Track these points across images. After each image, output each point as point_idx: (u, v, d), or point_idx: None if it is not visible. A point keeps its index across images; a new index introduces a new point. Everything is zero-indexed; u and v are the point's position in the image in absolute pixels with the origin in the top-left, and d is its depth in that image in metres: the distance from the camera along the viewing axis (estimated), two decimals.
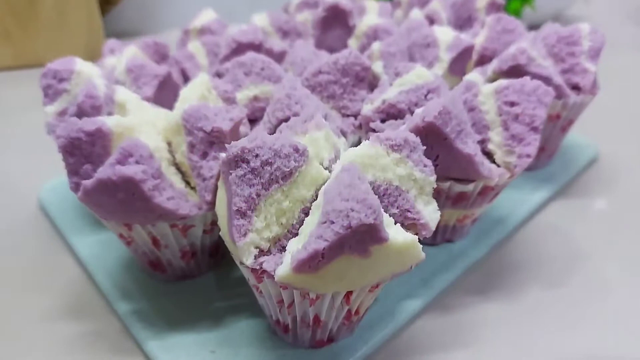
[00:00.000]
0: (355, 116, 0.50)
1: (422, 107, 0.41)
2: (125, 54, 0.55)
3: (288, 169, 0.33)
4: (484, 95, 0.44)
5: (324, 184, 0.35)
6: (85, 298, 0.48)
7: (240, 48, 0.56)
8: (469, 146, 0.40)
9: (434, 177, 0.37)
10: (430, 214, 0.36)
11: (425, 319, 0.45)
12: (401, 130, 0.38)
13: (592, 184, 0.62)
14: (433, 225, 0.36)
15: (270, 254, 0.33)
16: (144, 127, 0.42)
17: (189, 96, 0.44)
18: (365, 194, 0.30)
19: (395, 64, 0.55)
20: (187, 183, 0.41)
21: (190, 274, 0.47)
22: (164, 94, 0.52)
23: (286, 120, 0.44)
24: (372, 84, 0.55)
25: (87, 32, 1.02)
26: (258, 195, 0.33)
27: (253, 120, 0.51)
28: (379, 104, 0.47)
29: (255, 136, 0.34)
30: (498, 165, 0.43)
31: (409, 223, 0.36)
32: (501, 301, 0.47)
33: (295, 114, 0.44)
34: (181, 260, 0.45)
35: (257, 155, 0.33)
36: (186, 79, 0.60)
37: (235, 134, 0.40)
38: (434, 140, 0.40)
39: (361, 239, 0.30)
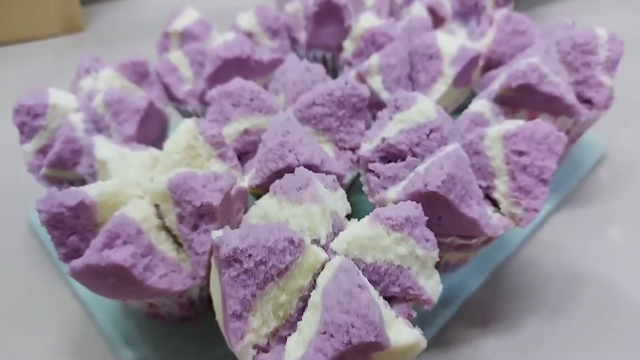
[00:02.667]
0: (353, 149, 0.47)
1: (425, 167, 0.38)
2: (102, 79, 0.51)
3: (284, 265, 0.32)
4: (491, 139, 0.41)
5: (322, 267, 0.34)
6: (86, 339, 0.48)
7: (226, 64, 0.52)
8: (474, 209, 0.38)
9: (436, 252, 0.36)
10: (432, 287, 0.36)
11: (424, 356, 0.46)
12: (402, 203, 0.36)
13: (598, 189, 0.61)
14: (436, 298, 0.36)
15: (270, 347, 0.33)
16: (129, 189, 0.40)
17: (174, 148, 0.42)
18: (365, 308, 0.29)
19: (394, 87, 0.51)
20: (180, 245, 0.40)
21: (190, 318, 0.48)
22: (148, 125, 0.49)
23: (279, 172, 0.42)
24: (371, 102, 0.52)
25: (60, 0, 0.95)
26: (253, 295, 0.32)
27: (245, 153, 0.49)
28: (378, 142, 0.44)
29: (247, 232, 0.32)
30: (503, 213, 0.42)
31: (411, 298, 0.36)
32: (501, 334, 0.47)
33: (289, 166, 0.42)
34: (180, 311, 0.45)
35: (250, 256, 0.31)
36: (170, 96, 0.56)
37: (226, 204, 0.38)
38: (437, 204, 0.38)
39: (362, 350, 0.30)
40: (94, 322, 0.49)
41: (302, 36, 0.63)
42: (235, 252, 0.31)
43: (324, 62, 0.64)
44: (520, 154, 0.40)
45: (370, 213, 0.35)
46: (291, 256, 0.32)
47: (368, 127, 0.49)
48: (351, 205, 0.56)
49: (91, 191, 0.38)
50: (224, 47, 0.52)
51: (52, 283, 0.52)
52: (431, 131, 0.43)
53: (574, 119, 0.51)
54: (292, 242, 0.32)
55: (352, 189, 0.52)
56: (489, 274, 0.51)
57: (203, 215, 0.38)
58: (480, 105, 0.46)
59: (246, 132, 0.47)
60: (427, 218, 0.36)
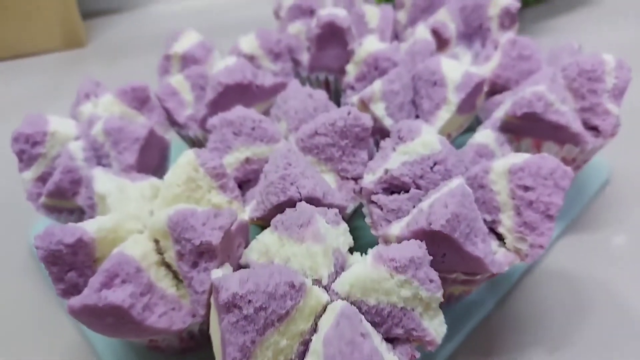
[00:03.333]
0: (356, 179, 0.47)
1: (429, 203, 0.38)
2: (102, 105, 0.50)
3: (284, 310, 0.32)
4: (496, 173, 0.41)
5: (324, 310, 0.34)
6: None
7: (227, 90, 0.52)
8: (478, 248, 0.37)
9: (440, 292, 0.35)
10: (436, 328, 0.35)
11: None
12: (405, 242, 0.35)
13: (604, 214, 0.60)
14: (440, 339, 0.35)
15: None
16: (128, 224, 0.40)
17: (174, 181, 0.42)
18: (368, 358, 0.29)
19: (397, 113, 0.51)
20: (180, 280, 0.40)
21: (190, 350, 0.47)
22: (148, 153, 0.49)
23: (280, 206, 0.41)
24: (374, 128, 0.51)
25: (61, 15, 0.95)
26: (253, 342, 0.31)
27: (246, 182, 0.48)
28: (381, 174, 0.44)
29: (247, 276, 0.32)
30: (508, 248, 0.41)
31: (415, 339, 0.35)
32: None
33: (291, 199, 0.41)
34: (180, 344, 0.45)
35: (250, 302, 0.31)
36: (171, 121, 0.56)
37: (226, 241, 0.38)
38: (441, 242, 0.37)
39: None
40: (93, 351, 0.49)
41: (304, 58, 0.62)
42: (234, 297, 0.31)
43: (326, 84, 0.64)
44: (526, 189, 0.40)
45: (374, 252, 0.35)
46: (292, 301, 0.32)
47: (371, 155, 0.49)
48: (353, 230, 0.55)
49: (90, 227, 0.38)
50: (225, 72, 0.51)
51: (51, 309, 0.52)
52: (435, 164, 0.42)
53: (580, 147, 0.50)
54: (293, 286, 0.32)
55: (354, 215, 0.51)
56: (493, 304, 0.50)
57: (203, 253, 0.37)
58: (485, 136, 0.45)
59: (247, 161, 0.47)
60: (431, 258, 0.35)
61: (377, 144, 0.54)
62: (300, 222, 0.37)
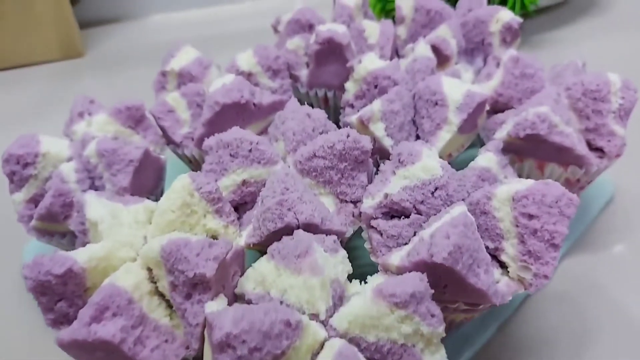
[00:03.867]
0: (355, 202, 0.45)
1: (430, 233, 0.37)
2: (96, 124, 0.49)
3: (280, 351, 0.30)
4: (499, 200, 0.40)
5: (321, 346, 0.32)
6: None
7: (224, 110, 0.50)
8: (481, 279, 0.36)
9: (442, 327, 0.34)
10: None
11: None
12: (406, 275, 0.34)
13: (608, 233, 0.58)
14: None
15: None
16: (121, 252, 0.39)
17: (169, 207, 0.40)
18: None
19: (397, 133, 0.50)
20: (174, 309, 0.38)
21: None
22: (143, 174, 0.48)
23: (277, 232, 0.40)
24: (374, 148, 0.50)
25: (57, 25, 0.94)
26: None
27: (243, 204, 0.47)
28: (381, 198, 0.43)
29: (242, 314, 0.30)
30: (511, 277, 0.40)
31: None
32: None
33: (288, 225, 0.40)
34: None
35: (244, 341, 0.30)
36: (167, 139, 0.55)
37: (221, 271, 0.36)
38: (443, 273, 0.36)
39: None
40: None
41: (303, 74, 0.61)
42: (228, 337, 0.30)
43: (325, 100, 0.63)
44: (530, 217, 0.38)
45: (373, 287, 0.33)
46: (288, 340, 0.30)
47: (370, 175, 0.47)
48: (352, 249, 0.54)
49: (80, 257, 0.37)
50: (222, 91, 0.50)
51: (43, 331, 0.51)
52: (436, 189, 0.41)
53: (585, 169, 0.49)
54: (289, 324, 0.31)
55: (353, 234, 0.50)
56: (495, 328, 0.49)
57: (196, 285, 0.36)
58: (487, 159, 0.44)
59: (244, 183, 0.46)
60: (432, 291, 0.34)
61: (376, 164, 0.53)
62: (298, 252, 0.36)
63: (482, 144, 0.57)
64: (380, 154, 0.52)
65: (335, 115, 0.65)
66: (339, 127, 0.56)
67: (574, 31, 0.97)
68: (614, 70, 0.52)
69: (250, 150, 0.46)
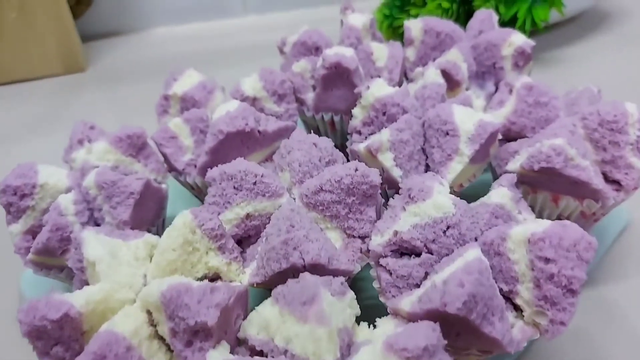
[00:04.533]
0: (363, 238, 0.44)
1: (443, 279, 0.35)
2: (96, 152, 0.48)
3: None
4: (514, 242, 0.38)
5: None
6: None
7: (228, 138, 0.49)
8: (496, 328, 0.35)
9: None
10: None
11: None
12: (418, 325, 0.33)
13: (623, 264, 0.57)
14: None
15: None
16: (119, 294, 0.37)
17: (170, 245, 0.39)
18: None
19: (406, 163, 0.48)
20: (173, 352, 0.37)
21: None
22: (144, 206, 0.47)
23: (282, 273, 0.38)
24: (382, 178, 0.48)
25: (58, 39, 0.93)
26: None
27: (246, 238, 0.46)
28: (390, 236, 0.41)
29: None
30: (526, 321, 0.38)
31: None
32: None
33: (293, 266, 0.38)
34: None
35: None
36: (170, 166, 0.53)
37: (224, 317, 0.35)
38: (456, 321, 0.34)
39: None
40: None
41: (309, 97, 0.60)
42: None
43: (332, 123, 0.61)
44: (547, 261, 0.37)
45: (384, 341, 0.32)
46: None
47: (379, 210, 0.46)
48: (357, 280, 0.52)
49: (77, 301, 0.35)
50: (226, 119, 0.49)
51: None
52: (448, 227, 0.40)
53: (601, 202, 0.47)
54: None
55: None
56: None
57: (198, 332, 0.34)
58: (501, 195, 0.43)
59: (248, 216, 0.44)
60: (445, 342, 0.33)
61: (385, 195, 0.52)
62: (304, 298, 0.34)
63: (493, 171, 0.55)
64: (389, 183, 0.51)
65: (342, 139, 0.64)
66: (346, 153, 0.54)
67: (584, 48, 0.95)
68: (626, 87, 0.50)
69: (254, 183, 0.44)
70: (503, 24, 0.81)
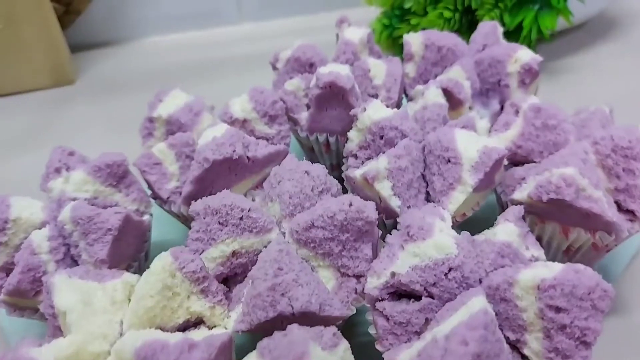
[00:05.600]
0: (358, 277, 0.41)
1: (445, 333, 0.32)
2: (73, 183, 0.45)
3: None
4: (522, 288, 0.35)
5: None
6: None
7: (214, 166, 0.46)
8: None
9: None
10: None
11: None
12: None
13: (634, 291, 0.53)
14: None
15: None
16: (92, 346, 0.34)
17: (147, 292, 0.36)
18: None
19: (405, 192, 0.45)
20: None
21: None
22: (123, 241, 0.44)
23: (270, 321, 0.36)
24: (380, 208, 0.45)
25: (46, 50, 0.90)
26: None
27: (233, 276, 0.43)
28: (387, 278, 0.38)
29: None
30: None
31: None
32: None
33: (281, 314, 0.36)
34: None
35: None
36: (154, 194, 0.50)
37: None
38: None
39: None
40: None
41: (302, 117, 0.57)
42: None
43: (327, 144, 0.58)
44: (558, 310, 0.34)
45: None
46: None
47: (376, 246, 0.43)
48: (352, 326, 0.49)
49: (45, 357, 0.32)
50: (212, 146, 0.46)
51: None
52: (450, 269, 0.37)
53: (614, 235, 0.44)
54: None
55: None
56: None
57: None
58: (508, 233, 0.39)
59: (234, 254, 0.41)
60: None
61: (382, 223, 0.49)
62: (291, 356, 0.32)
63: (498, 198, 0.52)
64: (387, 213, 0.47)
65: (338, 158, 0.61)
66: (341, 178, 0.51)
67: (591, 56, 0.92)
68: (636, 98, 0.47)
69: (241, 218, 0.41)
70: (508, 33, 0.78)
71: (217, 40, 1.04)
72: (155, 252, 0.55)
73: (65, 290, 0.36)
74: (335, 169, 0.64)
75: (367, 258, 0.41)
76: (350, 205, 0.40)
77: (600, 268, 0.53)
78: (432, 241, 0.37)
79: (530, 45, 0.79)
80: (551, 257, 0.49)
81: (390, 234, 0.41)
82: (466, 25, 0.82)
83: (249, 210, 0.41)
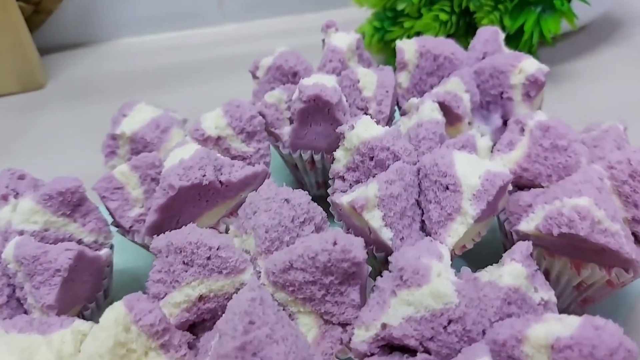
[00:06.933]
0: (344, 325, 0.36)
1: None
2: (21, 213, 0.40)
3: None
4: (533, 345, 0.30)
5: None
6: None
7: (181, 193, 0.41)
8: None
9: None
10: None
11: None
12: None
13: None
14: None
15: None
16: None
17: (96, 351, 0.31)
18: None
19: (398, 222, 0.40)
20: None
21: None
22: (76, 282, 0.39)
23: None
24: (369, 240, 0.40)
25: (14, 54, 0.84)
26: None
27: (201, 322, 0.38)
28: (377, 330, 0.33)
29: None
30: None
31: None
32: None
33: None
34: None
35: None
36: (115, 223, 0.45)
37: None
38: None
39: None
40: None
41: (285, 132, 0.52)
42: None
43: (311, 162, 0.53)
44: None
45: None
46: None
47: (364, 287, 0.38)
48: None
49: None
50: (178, 170, 0.41)
51: None
52: (450, 322, 0.32)
53: (632, 271, 0.39)
54: None
55: None
56: None
57: None
58: (515, 276, 0.35)
59: (202, 298, 0.36)
60: None
61: (372, 255, 0.44)
62: None
63: (501, 225, 0.47)
64: (377, 245, 0.43)
65: (324, 176, 0.56)
66: (327, 195, 0.46)
67: (595, 61, 0.87)
68: None
69: (208, 258, 0.36)
70: (508, 37, 0.73)
71: (197, 42, 0.98)
72: (119, 281, 0.50)
73: (1, 349, 0.31)
74: (322, 187, 0.59)
75: (354, 304, 0.36)
76: (335, 244, 0.35)
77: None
78: (428, 288, 0.33)
79: (531, 50, 0.75)
80: (560, 292, 0.45)
81: (382, 274, 0.36)
82: (463, 29, 0.77)
83: (217, 249, 0.36)
